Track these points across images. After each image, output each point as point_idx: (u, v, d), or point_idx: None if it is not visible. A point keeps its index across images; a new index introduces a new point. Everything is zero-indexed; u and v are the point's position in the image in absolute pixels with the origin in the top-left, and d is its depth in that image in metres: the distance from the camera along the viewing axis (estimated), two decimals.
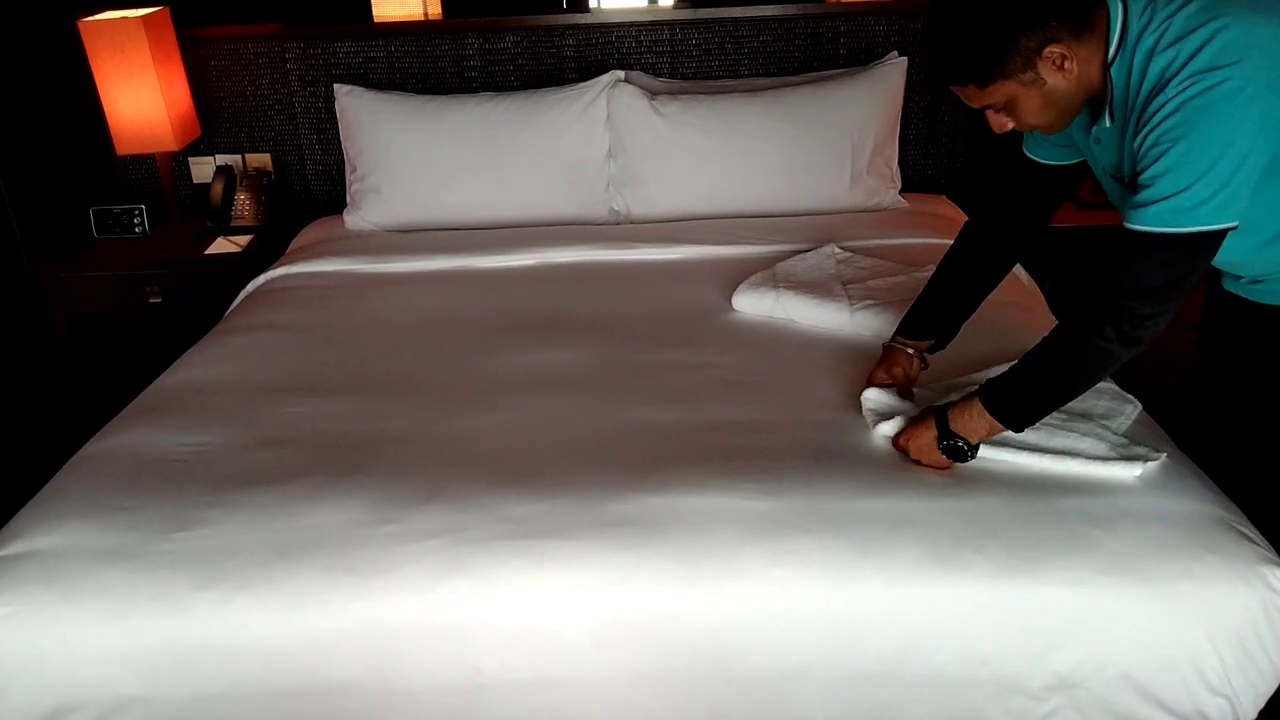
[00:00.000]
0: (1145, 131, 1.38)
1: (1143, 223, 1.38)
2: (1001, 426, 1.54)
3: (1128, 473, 1.57)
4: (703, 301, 2.28)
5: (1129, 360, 1.45)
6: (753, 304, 2.21)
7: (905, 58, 2.89)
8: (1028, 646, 1.44)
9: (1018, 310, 2.10)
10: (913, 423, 1.63)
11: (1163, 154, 1.35)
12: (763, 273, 2.30)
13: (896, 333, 1.83)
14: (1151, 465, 1.58)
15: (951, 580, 1.43)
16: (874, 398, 1.74)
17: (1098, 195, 2.85)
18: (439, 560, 1.47)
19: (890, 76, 2.86)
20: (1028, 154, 1.71)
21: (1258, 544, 1.47)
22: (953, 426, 1.56)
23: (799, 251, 2.44)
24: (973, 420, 1.54)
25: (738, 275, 2.33)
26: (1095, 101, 1.49)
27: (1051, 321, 2.13)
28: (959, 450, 1.56)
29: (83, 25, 2.75)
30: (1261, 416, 1.70)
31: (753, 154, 2.77)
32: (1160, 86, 1.36)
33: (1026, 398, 1.53)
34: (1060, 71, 1.41)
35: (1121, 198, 1.56)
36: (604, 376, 1.94)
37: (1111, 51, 1.43)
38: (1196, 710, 1.45)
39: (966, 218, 2.81)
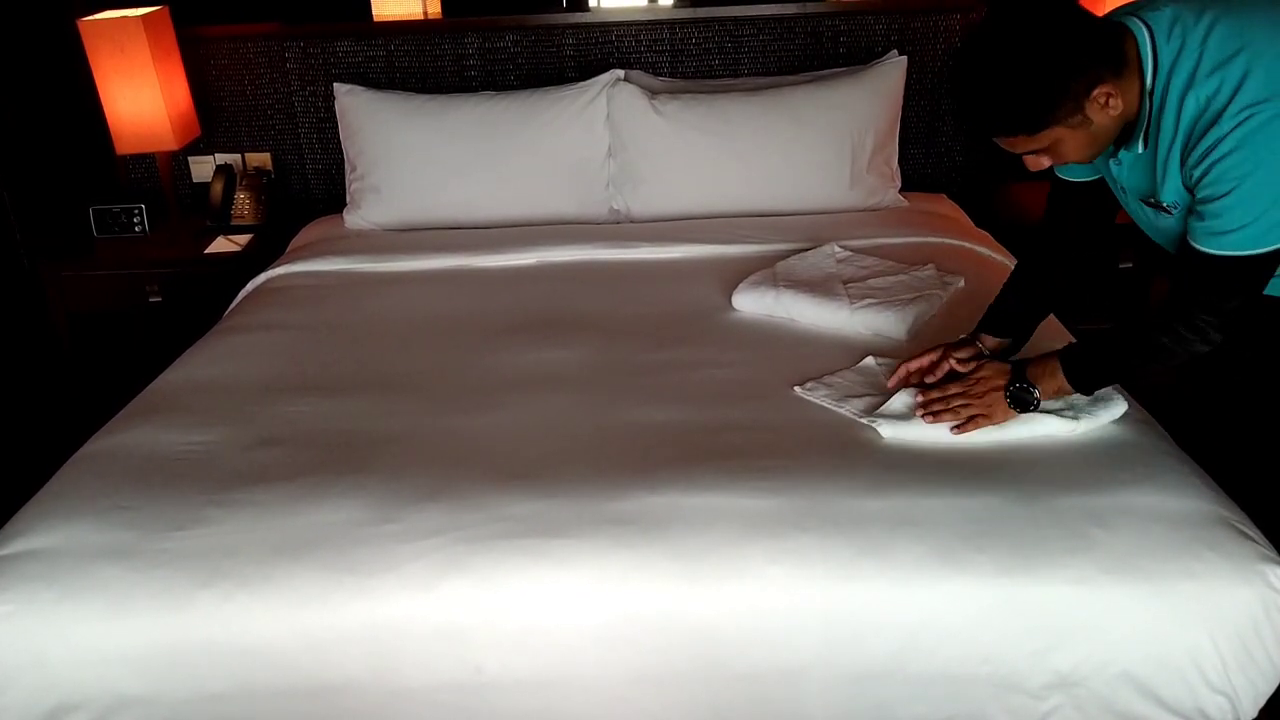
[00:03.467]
0: (1206, 163, 1.40)
1: (1221, 248, 1.42)
2: (1071, 390, 1.61)
3: (1065, 428, 1.64)
4: (703, 300, 2.28)
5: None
6: (753, 303, 2.21)
7: (905, 57, 2.89)
8: (1028, 645, 1.44)
9: None
10: (981, 369, 1.68)
11: (1231, 189, 1.39)
12: (763, 271, 2.30)
13: (976, 330, 1.83)
14: (1098, 423, 1.65)
15: (952, 579, 1.43)
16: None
17: None
18: (439, 559, 1.47)
19: (890, 75, 2.86)
20: (1058, 175, 1.73)
21: (1258, 542, 1.47)
22: (1028, 376, 1.62)
23: (799, 250, 2.44)
24: (1048, 377, 1.61)
25: (738, 274, 2.32)
26: (1126, 127, 1.50)
27: (1054, 322, 2.14)
28: (1028, 394, 1.62)
29: (82, 25, 2.74)
30: (1257, 403, 1.70)
31: (752, 153, 2.77)
32: (1214, 117, 1.39)
33: (1103, 368, 1.61)
34: (1105, 110, 1.43)
35: (1150, 218, 1.59)
36: (604, 375, 1.94)
37: (1150, 80, 1.44)
38: (1197, 708, 1.45)
39: (966, 216, 2.84)
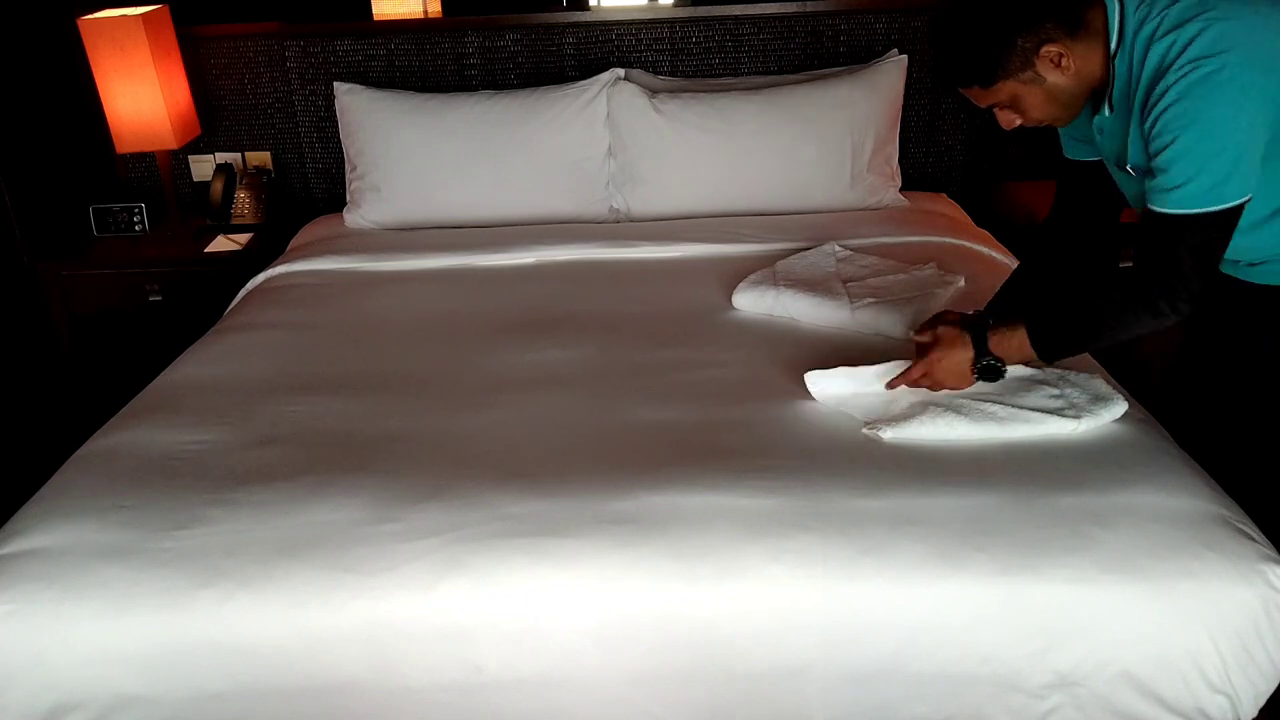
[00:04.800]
0: (1153, 117, 1.45)
1: (1166, 206, 1.46)
2: (1034, 355, 1.63)
3: (1066, 428, 1.64)
4: (703, 300, 2.28)
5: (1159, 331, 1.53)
6: (753, 302, 2.21)
7: (905, 56, 2.89)
8: (1028, 644, 1.44)
9: None
10: (939, 345, 1.69)
11: (1172, 141, 1.43)
12: (763, 271, 2.30)
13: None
14: (1099, 422, 1.65)
15: (952, 578, 1.43)
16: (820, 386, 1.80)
17: None
18: (439, 558, 1.47)
19: (890, 74, 2.85)
20: (1067, 156, 1.77)
21: (1258, 542, 1.47)
22: (991, 347, 1.64)
23: (799, 250, 2.44)
24: (1013, 344, 1.63)
25: (738, 274, 2.32)
26: (1098, 93, 1.56)
27: None
28: (995, 370, 1.66)
29: (82, 23, 2.75)
30: (1258, 402, 1.71)
31: (753, 152, 2.77)
32: (1160, 73, 1.44)
33: (1067, 336, 1.63)
34: (1059, 70, 1.50)
35: (1126, 184, 1.63)
36: (604, 375, 1.94)
37: (1114, 45, 1.49)
38: (1197, 708, 1.45)
39: (966, 216, 2.84)
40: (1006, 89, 1.52)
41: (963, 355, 1.67)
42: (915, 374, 1.72)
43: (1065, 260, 1.86)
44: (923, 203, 2.89)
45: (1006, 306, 1.84)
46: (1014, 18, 1.47)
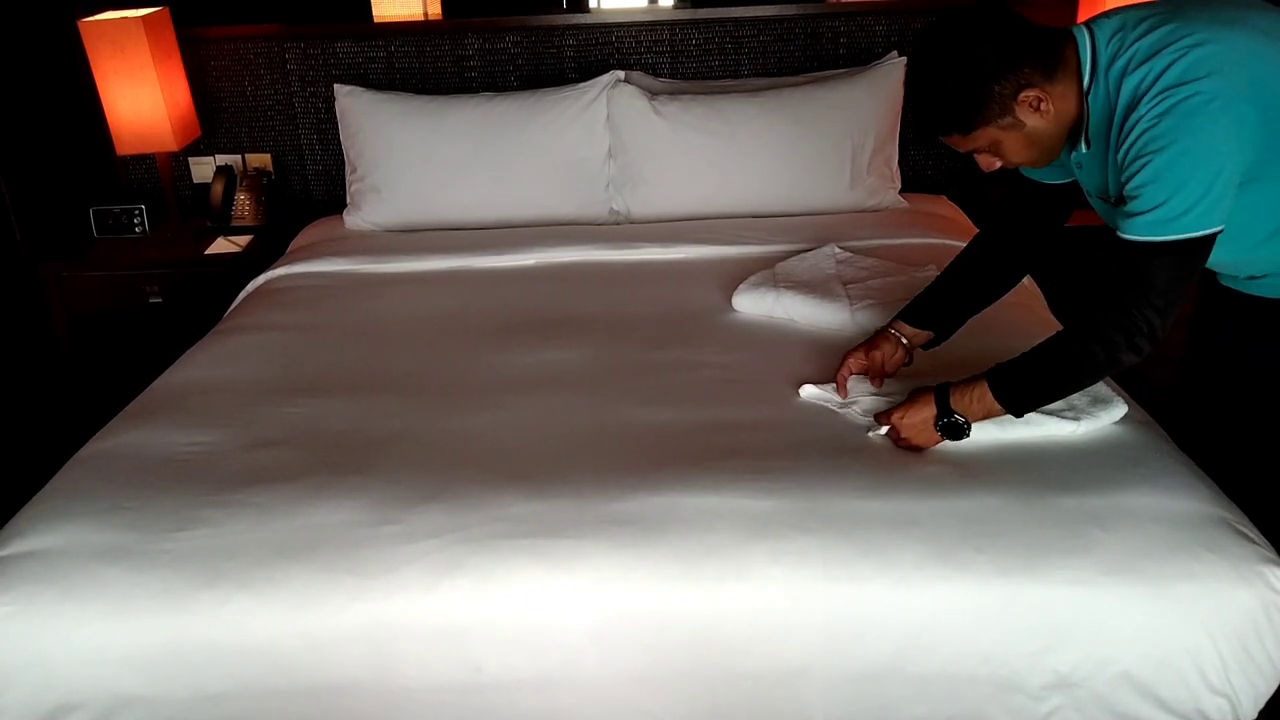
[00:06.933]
0: (1125, 147, 1.43)
1: (1133, 233, 1.44)
2: (1002, 410, 1.57)
3: (1066, 428, 1.64)
4: (703, 301, 2.28)
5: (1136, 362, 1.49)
6: (753, 304, 2.21)
7: (905, 58, 2.89)
8: (1028, 645, 1.44)
9: (1017, 310, 2.09)
10: (907, 401, 1.64)
11: (1143, 167, 1.41)
12: (763, 272, 2.30)
13: (895, 318, 1.84)
14: (1098, 424, 1.65)
15: (952, 579, 1.43)
16: (813, 393, 1.81)
17: None
18: (439, 560, 1.47)
19: (890, 76, 2.86)
20: (1024, 174, 1.73)
21: (1258, 544, 1.47)
22: (954, 405, 1.59)
23: (799, 251, 2.44)
24: (976, 402, 1.58)
25: (738, 275, 2.33)
26: (1074, 129, 1.54)
27: (1050, 321, 2.14)
28: (957, 428, 1.60)
29: (83, 25, 2.75)
30: (1258, 411, 1.71)
31: (753, 154, 2.77)
32: (1134, 103, 1.42)
33: (1031, 388, 1.57)
34: (1038, 114, 1.47)
35: (1110, 215, 1.60)
36: (604, 376, 1.94)
37: (1086, 81, 1.48)
38: (1197, 709, 1.45)
39: (966, 218, 2.84)
40: (986, 135, 1.49)
41: (926, 413, 1.60)
42: (894, 418, 1.64)
43: (998, 271, 1.80)
44: (923, 204, 2.89)
45: (926, 312, 1.81)
46: (991, 63, 1.43)
